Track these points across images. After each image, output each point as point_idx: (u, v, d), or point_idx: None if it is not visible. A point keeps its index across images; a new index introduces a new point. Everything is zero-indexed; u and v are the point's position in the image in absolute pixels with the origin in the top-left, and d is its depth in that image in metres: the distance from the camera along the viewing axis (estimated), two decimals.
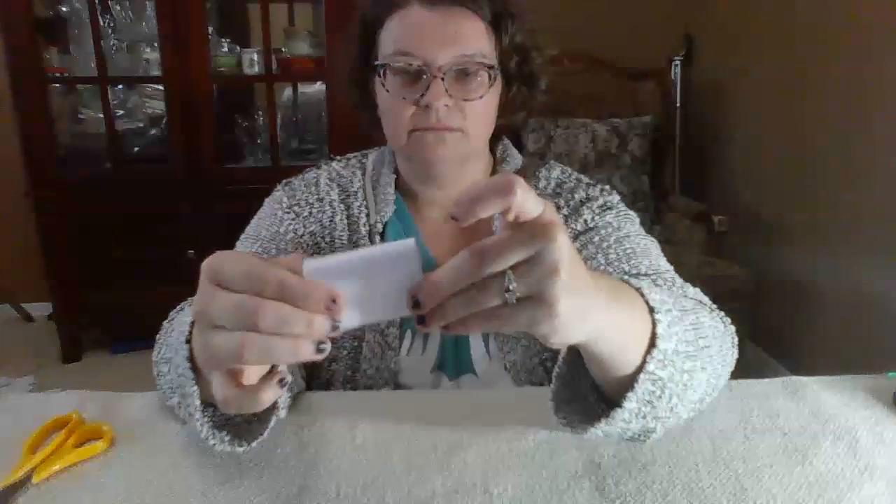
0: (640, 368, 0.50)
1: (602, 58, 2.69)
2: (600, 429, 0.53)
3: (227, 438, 0.57)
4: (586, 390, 0.58)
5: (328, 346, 0.42)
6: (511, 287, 0.40)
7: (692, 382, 0.56)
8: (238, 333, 0.41)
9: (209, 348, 0.44)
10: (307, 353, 0.41)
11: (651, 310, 0.51)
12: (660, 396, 0.52)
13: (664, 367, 0.51)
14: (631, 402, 0.51)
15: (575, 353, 0.55)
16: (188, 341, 0.54)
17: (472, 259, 0.40)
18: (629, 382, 0.51)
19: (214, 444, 0.56)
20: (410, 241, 0.43)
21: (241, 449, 0.57)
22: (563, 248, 0.40)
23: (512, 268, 0.40)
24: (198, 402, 0.54)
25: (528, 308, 0.40)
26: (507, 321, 0.41)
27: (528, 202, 0.39)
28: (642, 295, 0.52)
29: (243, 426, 0.60)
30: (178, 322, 0.64)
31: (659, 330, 0.51)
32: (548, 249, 0.39)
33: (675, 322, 0.53)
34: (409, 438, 0.64)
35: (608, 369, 0.51)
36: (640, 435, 0.57)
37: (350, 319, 0.44)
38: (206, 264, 0.45)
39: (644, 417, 0.53)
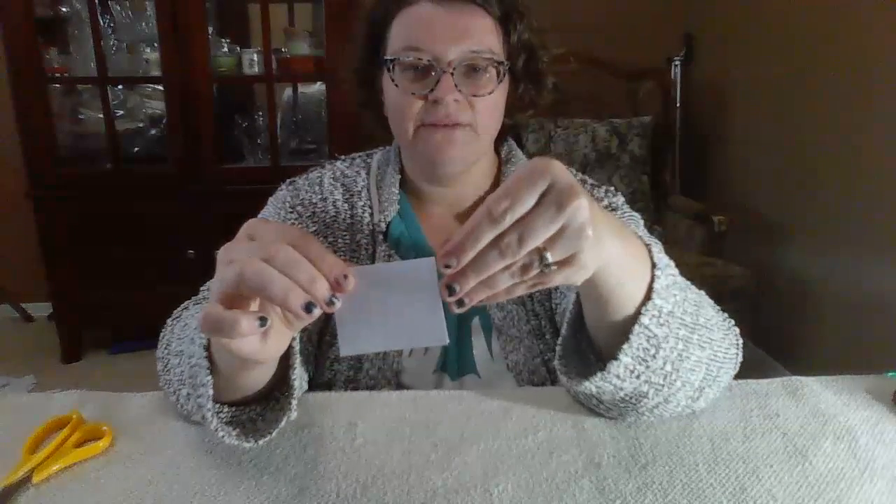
0: (636, 321, 0.53)
1: (602, 58, 2.68)
2: (595, 383, 0.55)
3: (234, 433, 0.58)
4: (587, 350, 0.61)
5: (317, 313, 0.45)
6: (549, 261, 0.44)
7: (689, 355, 0.57)
8: (248, 259, 0.45)
9: (219, 275, 0.46)
10: (295, 303, 0.44)
11: (653, 265, 0.54)
12: (654, 356, 0.54)
13: (659, 325, 0.53)
14: (626, 356, 0.53)
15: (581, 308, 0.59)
16: None
17: (514, 236, 0.43)
18: (625, 336, 0.53)
19: (223, 437, 0.57)
20: (430, 258, 0.46)
21: (247, 445, 0.58)
22: (585, 207, 0.44)
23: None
24: (210, 392, 0.55)
25: (564, 270, 0.45)
26: (542, 284, 0.46)
27: (521, 205, 0.43)
28: (649, 252, 0.55)
29: (249, 425, 0.61)
30: (195, 315, 0.64)
31: (656, 285, 0.53)
32: (575, 216, 0.43)
33: (674, 287, 0.55)
34: (409, 438, 0.64)
35: (605, 311, 0.53)
36: (631, 398, 0.58)
37: (369, 342, 0.47)
38: (246, 224, 0.49)
39: (638, 377, 0.55)
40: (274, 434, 0.59)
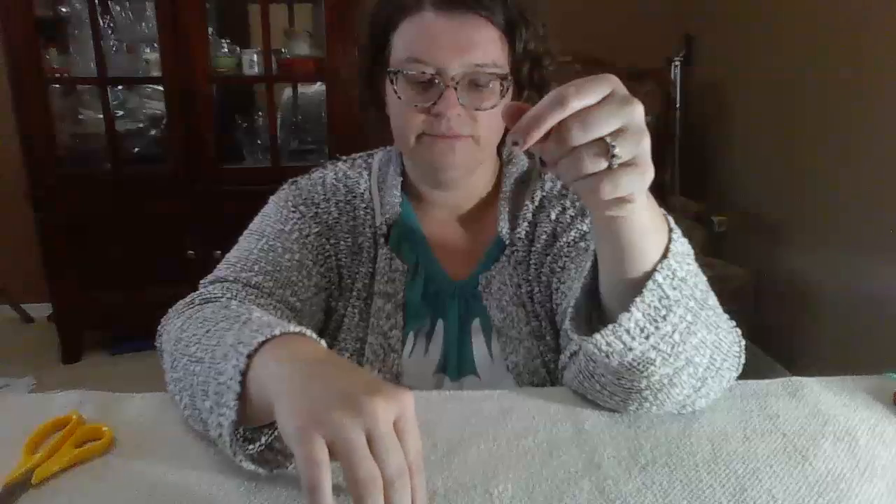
0: (650, 277, 0.54)
1: (602, 58, 2.68)
2: (606, 337, 0.55)
3: (251, 451, 0.56)
4: (597, 323, 0.61)
5: None
6: (616, 153, 0.45)
7: (696, 331, 0.57)
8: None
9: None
10: None
11: (670, 230, 0.56)
12: (664, 317, 0.54)
13: (672, 288, 0.54)
14: (638, 311, 0.54)
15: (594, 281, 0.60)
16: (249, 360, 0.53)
17: (576, 125, 0.44)
18: (638, 292, 0.54)
19: (239, 460, 0.55)
20: None
21: (262, 470, 0.56)
22: (642, 114, 0.46)
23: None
24: (233, 419, 0.53)
25: (629, 171, 0.46)
26: (609, 187, 0.46)
27: (586, 97, 0.44)
28: (666, 219, 0.56)
29: (266, 453, 0.59)
30: (220, 325, 0.62)
31: (672, 248, 0.55)
32: (634, 117, 0.45)
33: (688, 257, 0.57)
34: None
35: (623, 264, 0.54)
36: (638, 365, 0.57)
37: None
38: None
39: (647, 338, 0.55)
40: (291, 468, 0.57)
